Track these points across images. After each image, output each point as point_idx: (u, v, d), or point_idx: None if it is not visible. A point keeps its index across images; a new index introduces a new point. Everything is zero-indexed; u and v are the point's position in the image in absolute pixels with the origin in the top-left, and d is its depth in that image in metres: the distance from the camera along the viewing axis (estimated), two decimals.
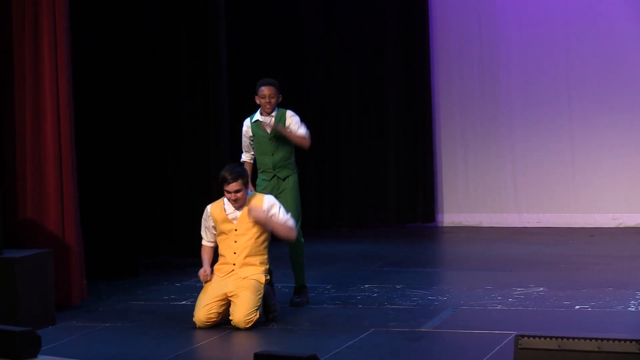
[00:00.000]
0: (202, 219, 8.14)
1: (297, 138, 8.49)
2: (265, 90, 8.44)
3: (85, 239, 8.97)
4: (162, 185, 10.85)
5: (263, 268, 7.98)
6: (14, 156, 8.47)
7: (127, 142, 10.21)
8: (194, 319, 7.86)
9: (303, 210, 8.73)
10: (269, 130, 8.45)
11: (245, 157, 8.72)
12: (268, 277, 8.02)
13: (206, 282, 7.98)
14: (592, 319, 7.95)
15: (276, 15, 13.17)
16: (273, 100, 8.43)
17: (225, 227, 8.00)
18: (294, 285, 8.69)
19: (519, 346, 5.00)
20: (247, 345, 7.42)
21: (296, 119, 8.52)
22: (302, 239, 8.54)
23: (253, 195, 8.06)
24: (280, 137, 8.46)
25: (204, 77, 10.81)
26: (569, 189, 13.10)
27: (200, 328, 7.82)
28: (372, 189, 13.35)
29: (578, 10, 13.02)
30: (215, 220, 8.04)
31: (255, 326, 7.84)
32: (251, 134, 8.58)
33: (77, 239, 8.56)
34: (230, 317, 7.82)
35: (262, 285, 7.93)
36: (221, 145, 10.75)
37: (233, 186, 7.88)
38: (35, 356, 5.81)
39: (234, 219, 7.97)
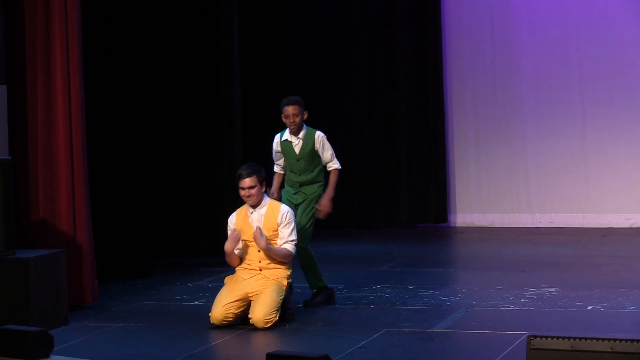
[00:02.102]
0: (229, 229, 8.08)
1: (333, 186, 8.48)
2: (289, 109, 8.34)
3: (97, 240, 9.00)
4: (174, 186, 10.86)
5: (288, 271, 7.98)
6: (27, 158, 8.49)
7: (140, 144, 10.23)
8: (210, 315, 7.84)
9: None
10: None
11: (276, 168, 8.66)
12: (291, 280, 8.02)
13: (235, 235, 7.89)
14: (604, 319, 7.94)
15: (287, 18, 13.18)
16: (297, 120, 8.34)
17: (249, 236, 7.95)
18: (307, 286, 8.66)
19: (531, 347, 4.97)
20: (259, 345, 7.42)
21: (327, 145, 8.43)
22: (310, 250, 8.47)
23: (272, 203, 8.02)
24: (308, 157, 8.40)
25: (216, 79, 10.82)
26: (581, 190, 13.09)
27: (214, 326, 7.81)
28: (383, 189, 13.35)
29: (590, 11, 13.00)
30: (239, 229, 7.97)
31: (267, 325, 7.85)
32: (280, 151, 8.52)
33: (88, 239, 8.59)
34: (250, 316, 7.80)
35: (284, 288, 7.92)
36: (234, 147, 10.76)
37: (247, 182, 7.83)
38: (48, 356, 5.80)
39: (257, 226, 7.91)
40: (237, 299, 7.84)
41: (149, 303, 8.86)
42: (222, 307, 7.81)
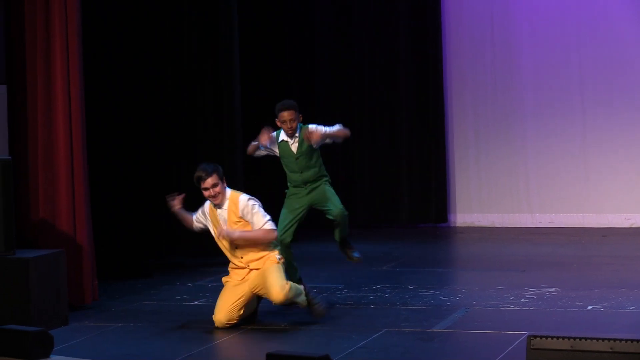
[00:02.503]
0: (200, 211, 8.03)
1: (338, 135, 8.42)
2: (285, 114, 8.33)
3: (97, 240, 9.01)
4: (174, 186, 10.84)
5: (271, 252, 7.93)
6: (27, 158, 8.50)
7: (140, 143, 10.24)
8: (214, 319, 7.86)
9: (315, 210, 8.70)
10: (314, 145, 8.36)
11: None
12: (282, 257, 7.96)
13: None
14: (604, 319, 7.94)
15: (287, 18, 13.19)
16: (294, 124, 8.34)
17: (219, 232, 7.94)
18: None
19: (532, 346, 5.00)
20: (259, 345, 7.42)
21: (318, 129, 8.37)
22: (345, 211, 8.50)
23: (232, 196, 7.93)
24: (307, 155, 8.40)
25: (216, 79, 10.83)
26: (581, 190, 13.10)
27: (218, 328, 7.82)
28: (384, 189, 13.37)
29: (590, 11, 13.02)
30: (212, 222, 7.97)
31: (268, 326, 7.87)
32: (278, 152, 8.49)
33: (88, 239, 8.60)
34: (268, 296, 7.82)
35: (280, 264, 7.89)
36: (234, 147, 10.77)
37: (209, 181, 7.82)
38: (48, 356, 5.83)
39: (224, 222, 7.90)
40: (238, 298, 7.85)
41: (149, 303, 8.88)
42: (226, 310, 7.82)
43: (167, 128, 10.80)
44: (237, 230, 7.85)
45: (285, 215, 8.43)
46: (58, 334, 7.19)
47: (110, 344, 7.49)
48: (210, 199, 7.90)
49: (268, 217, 7.93)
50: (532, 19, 13.19)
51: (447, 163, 13.39)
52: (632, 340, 4.84)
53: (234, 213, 7.89)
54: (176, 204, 8.11)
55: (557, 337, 4.98)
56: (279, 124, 8.42)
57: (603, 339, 4.90)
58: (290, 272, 8.29)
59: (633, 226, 12.88)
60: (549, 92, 13.18)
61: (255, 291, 7.88)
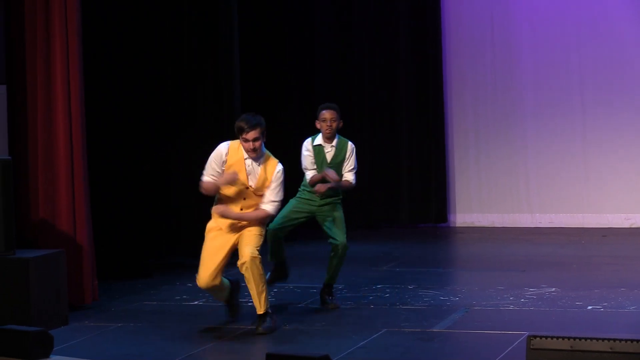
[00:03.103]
0: (213, 156, 7.82)
1: (346, 186, 8.47)
2: (326, 113, 8.37)
3: (98, 240, 9.01)
4: (174, 186, 10.88)
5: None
6: (27, 158, 8.51)
7: (139, 144, 10.24)
8: (198, 278, 7.75)
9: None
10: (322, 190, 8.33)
11: (311, 174, 8.51)
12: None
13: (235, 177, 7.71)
14: (604, 319, 7.96)
15: (287, 18, 13.18)
16: (334, 125, 8.36)
17: (240, 177, 7.75)
18: (320, 285, 8.67)
19: (531, 346, 4.99)
20: (259, 345, 7.43)
21: (354, 157, 8.45)
22: (348, 245, 8.48)
23: (269, 157, 7.81)
24: (339, 166, 8.38)
25: (216, 79, 10.84)
26: (581, 190, 13.12)
27: (202, 288, 7.79)
28: (384, 189, 13.37)
29: (590, 12, 13.04)
30: (229, 164, 7.77)
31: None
32: (312, 158, 8.44)
33: (88, 239, 8.61)
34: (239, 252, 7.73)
35: (263, 228, 7.83)
36: None
37: (252, 134, 7.65)
38: (48, 356, 5.81)
39: (250, 173, 7.74)
40: (221, 256, 7.76)
41: (149, 303, 8.89)
42: (209, 273, 7.72)
43: (167, 128, 10.81)
44: (240, 213, 7.74)
45: (289, 211, 8.40)
46: (58, 334, 7.20)
47: (110, 344, 7.50)
48: (247, 151, 7.69)
49: (280, 197, 7.82)
50: (532, 19, 13.20)
51: (447, 163, 13.41)
52: (632, 340, 4.83)
53: (267, 173, 7.75)
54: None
55: (557, 337, 4.97)
56: (318, 125, 8.41)
57: (603, 339, 4.88)
58: (278, 250, 8.35)
59: (633, 226, 12.90)
60: (549, 92, 13.19)
61: (236, 243, 7.78)
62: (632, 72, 12.91)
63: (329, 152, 8.42)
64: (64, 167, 8.44)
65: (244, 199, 7.76)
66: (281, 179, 7.79)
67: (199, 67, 10.88)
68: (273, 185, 7.76)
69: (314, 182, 8.36)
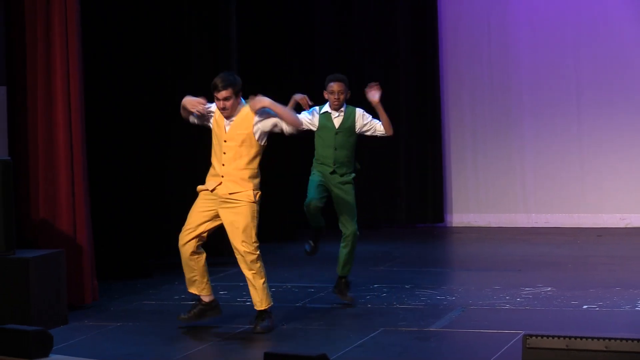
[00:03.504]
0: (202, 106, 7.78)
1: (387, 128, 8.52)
2: (334, 85, 8.42)
3: (97, 240, 9.04)
4: (173, 185, 10.90)
5: (252, 184, 7.68)
6: (27, 158, 8.53)
7: (139, 144, 10.26)
8: (179, 246, 7.76)
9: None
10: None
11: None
12: (259, 192, 7.70)
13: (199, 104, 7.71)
14: (599, 318, 8.00)
15: (287, 18, 13.18)
16: (342, 97, 8.42)
17: (217, 132, 7.75)
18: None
19: (527, 346, 5.02)
20: (257, 344, 7.46)
21: (367, 117, 8.50)
22: (357, 232, 8.49)
23: (247, 110, 7.71)
24: (346, 133, 8.42)
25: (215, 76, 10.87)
26: (577, 190, 13.15)
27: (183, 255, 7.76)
28: (382, 190, 13.40)
29: (588, 13, 13.07)
30: (214, 119, 7.78)
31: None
32: (317, 125, 8.47)
33: (88, 239, 8.64)
34: (231, 240, 7.69)
35: (254, 204, 7.66)
36: None
37: (223, 94, 7.60)
38: (47, 355, 5.85)
39: (226, 126, 7.71)
40: (200, 222, 7.75)
41: (149, 303, 8.91)
42: (186, 230, 7.75)
43: (166, 128, 10.83)
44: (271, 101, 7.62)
45: (316, 184, 8.39)
46: (58, 333, 7.26)
47: (110, 344, 7.53)
48: (219, 110, 7.69)
49: (294, 114, 7.80)
50: (529, 20, 13.24)
51: (444, 163, 13.43)
52: (627, 340, 4.86)
53: (241, 125, 7.66)
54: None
55: (553, 337, 5.00)
56: (326, 95, 8.44)
57: (598, 338, 4.91)
58: (317, 221, 8.38)
59: (628, 226, 12.93)
60: (546, 93, 13.22)
61: (218, 216, 7.72)
62: (629, 73, 12.94)
63: (337, 117, 8.46)
64: (64, 167, 8.47)
65: (224, 153, 7.73)
66: (268, 113, 7.67)
67: (198, 68, 10.92)
68: (263, 118, 7.65)
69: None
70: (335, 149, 8.42)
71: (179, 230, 7.91)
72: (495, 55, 13.34)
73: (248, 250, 7.64)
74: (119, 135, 9.98)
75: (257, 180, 7.75)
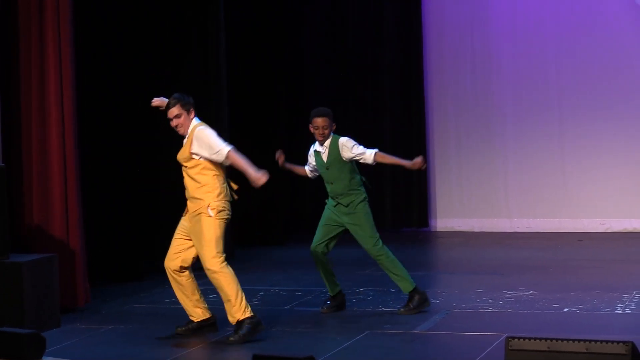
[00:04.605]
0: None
1: (395, 159, 8.63)
2: (318, 120, 8.35)
3: (90, 244, 9.07)
4: (165, 190, 10.92)
5: (207, 201, 7.54)
6: (21, 163, 8.57)
7: (131, 149, 10.25)
8: (165, 266, 7.78)
9: (302, 213, 8.81)
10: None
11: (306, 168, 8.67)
12: (219, 207, 7.55)
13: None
14: (580, 321, 8.08)
15: (278, 24, 13.21)
16: (326, 131, 8.35)
17: (181, 159, 7.73)
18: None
19: (510, 347, 5.10)
20: (246, 346, 7.49)
21: (349, 144, 8.44)
22: (390, 253, 8.49)
23: (196, 126, 7.63)
24: (337, 166, 8.38)
25: (206, 86, 10.92)
26: (558, 195, 13.23)
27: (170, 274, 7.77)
28: (368, 195, 13.43)
29: (569, 23, 13.16)
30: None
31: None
32: (314, 163, 8.54)
33: (81, 243, 8.67)
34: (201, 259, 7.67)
35: (213, 220, 7.52)
36: None
37: (173, 111, 7.62)
38: (41, 357, 5.92)
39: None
40: (183, 247, 7.73)
41: (140, 306, 8.93)
42: (171, 260, 7.76)
43: (157, 133, 10.83)
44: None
45: (320, 227, 8.45)
46: (51, 335, 7.26)
47: (102, 346, 7.57)
48: (174, 129, 7.68)
49: (217, 141, 7.57)
50: (512, 30, 13.31)
51: (428, 170, 13.47)
52: (607, 341, 4.97)
53: (188, 139, 7.64)
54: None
55: (535, 339, 5.08)
56: (311, 129, 8.40)
57: (579, 340, 5.01)
58: (325, 271, 8.38)
59: (608, 231, 13.00)
60: (528, 101, 13.31)
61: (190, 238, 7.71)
62: (609, 82, 13.02)
63: (324, 153, 8.45)
64: (57, 172, 8.50)
65: (184, 177, 7.72)
66: (205, 131, 7.55)
67: (190, 73, 10.98)
68: (199, 140, 7.51)
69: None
70: (332, 183, 8.42)
71: (171, 234, 7.96)
72: (479, 63, 13.42)
73: (213, 269, 7.60)
74: (111, 140, 9.98)
75: (214, 196, 7.58)
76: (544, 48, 13.22)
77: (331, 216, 8.45)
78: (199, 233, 7.57)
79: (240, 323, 7.60)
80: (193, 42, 11.07)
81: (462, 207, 13.48)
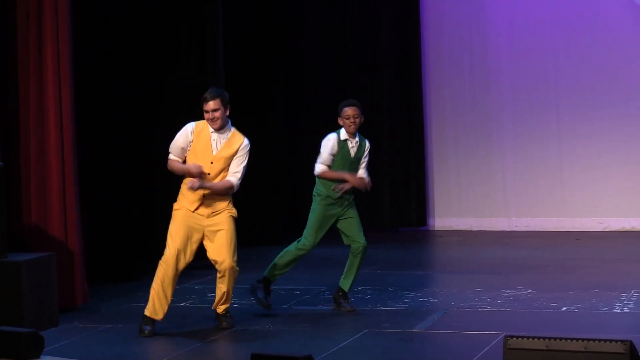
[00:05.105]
0: (180, 134, 7.92)
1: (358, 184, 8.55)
2: (349, 110, 8.44)
3: (88, 243, 9.08)
4: (162, 189, 10.93)
5: (230, 201, 7.89)
6: (19, 163, 8.58)
7: (130, 149, 10.26)
8: (165, 262, 7.82)
9: (300, 212, 8.81)
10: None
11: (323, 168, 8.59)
12: (234, 210, 7.90)
13: (199, 172, 7.86)
14: (578, 320, 8.10)
15: (274, 24, 13.22)
16: (357, 120, 8.45)
17: (202, 152, 7.88)
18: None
19: (508, 346, 5.12)
20: (244, 345, 7.52)
21: (368, 157, 8.60)
22: (366, 245, 8.55)
23: (236, 133, 7.92)
24: (357, 162, 8.49)
25: (204, 86, 10.91)
26: (556, 195, 13.25)
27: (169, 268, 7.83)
28: (367, 194, 13.43)
29: (566, 22, 13.19)
30: (196, 139, 7.92)
31: (252, 327, 7.99)
32: (337, 151, 8.52)
33: (79, 243, 8.68)
34: (215, 259, 7.81)
35: (234, 219, 7.87)
36: None
37: (211, 105, 7.80)
38: (39, 357, 5.93)
39: (215, 149, 7.88)
40: (189, 241, 7.84)
41: (138, 305, 8.85)
42: (177, 255, 7.81)
43: (155, 132, 10.85)
44: (207, 183, 7.80)
45: (318, 222, 8.45)
46: (49, 335, 7.26)
47: (100, 345, 7.58)
48: (209, 122, 7.84)
49: (244, 169, 7.89)
50: (510, 29, 13.33)
51: (427, 169, 13.51)
52: (605, 340, 4.98)
53: (229, 148, 7.86)
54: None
55: (533, 338, 5.10)
56: (341, 121, 8.47)
57: (577, 339, 5.03)
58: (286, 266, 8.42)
59: (606, 230, 13.03)
60: (526, 101, 13.33)
61: (206, 234, 7.84)
62: (607, 82, 13.04)
63: (353, 147, 8.50)
64: (56, 172, 8.51)
65: (208, 174, 7.86)
66: (247, 153, 7.91)
67: (187, 73, 10.99)
68: (239, 157, 7.87)
69: (325, 177, 8.42)
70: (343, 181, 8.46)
71: (167, 234, 7.99)
72: (477, 63, 13.44)
73: (235, 267, 7.86)
74: (109, 140, 9.98)
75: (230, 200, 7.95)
76: (542, 48, 13.23)
77: (325, 217, 8.48)
78: (225, 230, 7.79)
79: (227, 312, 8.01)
80: (191, 41, 11.08)
81: (460, 207, 13.51)
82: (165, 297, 7.79)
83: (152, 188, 10.90)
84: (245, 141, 7.94)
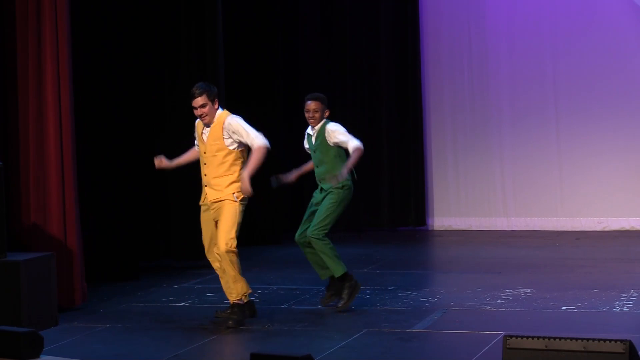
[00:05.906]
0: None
1: (353, 162, 8.48)
2: (311, 104, 8.48)
3: (87, 243, 9.09)
4: (162, 189, 10.95)
5: (233, 188, 7.91)
6: (18, 163, 8.59)
7: (129, 148, 10.28)
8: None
9: (300, 212, 8.82)
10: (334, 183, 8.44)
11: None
12: (240, 194, 7.91)
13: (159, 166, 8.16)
14: (578, 319, 8.11)
15: (273, 24, 13.23)
16: (317, 115, 8.47)
17: (200, 146, 8.07)
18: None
19: (507, 346, 5.12)
20: (243, 345, 7.54)
21: (335, 129, 8.50)
22: (325, 239, 8.47)
23: (220, 116, 7.96)
24: (323, 150, 8.49)
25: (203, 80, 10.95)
26: (556, 194, 13.26)
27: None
28: (365, 194, 13.49)
29: (565, 21, 13.21)
30: (198, 137, 8.11)
31: (251, 327, 7.99)
32: (307, 146, 8.66)
33: (78, 242, 8.68)
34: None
35: (237, 204, 7.89)
36: None
37: (198, 100, 7.87)
38: (38, 356, 5.95)
39: (204, 139, 7.99)
40: (212, 231, 8.00)
41: (137, 304, 8.96)
42: (206, 244, 8.02)
43: (153, 131, 10.88)
44: (248, 168, 7.84)
45: (308, 213, 8.55)
46: (48, 334, 7.30)
47: (99, 345, 7.60)
48: (199, 118, 7.96)
49: (254, 130, 7.92)
50: (509, 30, 13.34)
51: (426, 169, 13.52)
52: (604, 340, 4.98)
53: (217, 129, 7.91)
54: (160, 162, 8.26)
55: (532, 337, 5.10)
56: (305, 114, 8.54)
57: (576, 339, 5.02)
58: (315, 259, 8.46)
59: (605, 229, 13.04)
60: (525, 100, 13.34)
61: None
62: (606, 81, 13.05)
63: (313, 136, 8.57)
64: (55, 172, 8.52)
65: (205, 164, 8.01)
66: (239, 122, 7.89)
67: (186, 72, 11.00)
68: (235, 132, 7.87)
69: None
70: (317, 167, 8.56)
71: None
72: (476, 62, 13.45)
73: (227, 249, 7.88)
74: (108, 139, 10.00)
75: (237, 184, 7.94)
76: (541, 47, 13.25)
77: (312, 201, 8.57)
78: (222, 216, 7.89)
79: (233, 307, 8.00)
80: (190, 40, 11.09)
81: (459, 206, 13.52)
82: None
83: (152, 188, 10.92)
84: (228, 118, 7.91)
